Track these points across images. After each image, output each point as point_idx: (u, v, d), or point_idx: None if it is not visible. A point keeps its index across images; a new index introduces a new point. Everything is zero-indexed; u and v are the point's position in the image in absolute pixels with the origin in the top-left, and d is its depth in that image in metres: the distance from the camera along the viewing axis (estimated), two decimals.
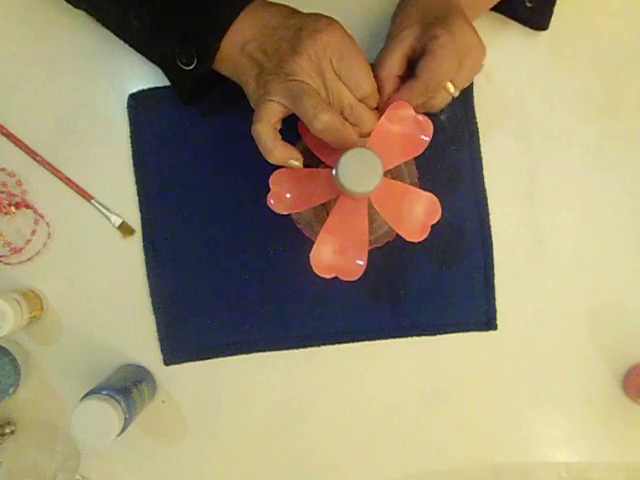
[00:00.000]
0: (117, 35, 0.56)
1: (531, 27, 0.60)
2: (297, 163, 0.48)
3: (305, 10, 0.49)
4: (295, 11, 0.50)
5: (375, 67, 0.51)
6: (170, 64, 0.51)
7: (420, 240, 0.49)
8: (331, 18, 0.48)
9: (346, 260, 0.49)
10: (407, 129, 0.50)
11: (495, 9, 0.57)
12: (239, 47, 0.49)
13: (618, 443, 0.62)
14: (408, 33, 0.50)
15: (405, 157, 0.51)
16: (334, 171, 0.46)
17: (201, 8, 0.50)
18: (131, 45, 0.55)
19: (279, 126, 0.49)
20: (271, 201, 0.50)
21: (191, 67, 0.51)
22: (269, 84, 0.47)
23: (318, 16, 0.48)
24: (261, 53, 0.48)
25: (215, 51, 0.50)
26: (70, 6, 0.56)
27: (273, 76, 0.47)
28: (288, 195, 0.50)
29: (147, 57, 0.55)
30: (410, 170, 0.54)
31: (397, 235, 0.52)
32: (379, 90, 0.50)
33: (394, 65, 0.50)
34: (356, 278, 0.49)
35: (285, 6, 0.50)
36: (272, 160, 0.48)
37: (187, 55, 0.50)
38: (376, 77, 0.50)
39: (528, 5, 0.57)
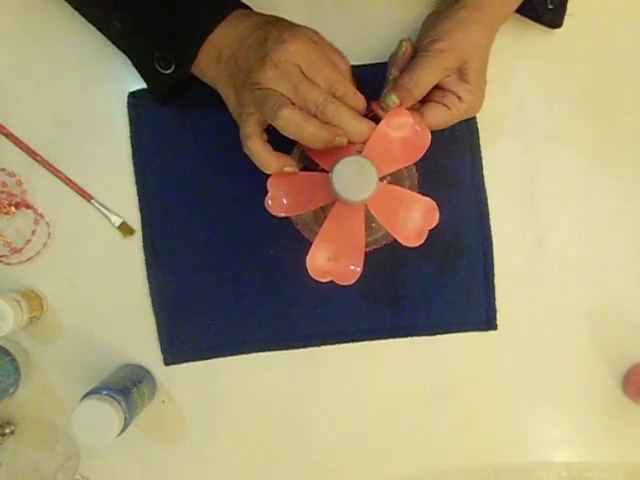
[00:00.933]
0: (99, 30, 0.56)
1: (549, 26, 0.59)
2: (291, 169, 0.49)
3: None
4: (268, 21, 0.50)
5: (408, 79, 0.50)
6: (149, 67, 0.52)
7: (417, 245, 0.49)
8: (295, 26, 0.48)
9: (340, 267, 0.49)
10: (406, 136, 0.50)
11: (516, 11, 0.57)
12: (215, 58, 0.50)
13: (618, 443, 0.62)
14: (449, 62, 0.50)
15: (403, 163, 0.51)
16: (329, 178, 0.46)
17: (183, 15, 0.51)
18: (112, 42, 0.56)
19: (266, 137, 0.49)
20: (269, 203, 0.50)
21: (169, 71, 0.52)
22: (243, 97, 0.48)
23: (284, 26, 0.48)
24: (234, 64, 0.49)
25: (193, 58, 0.51)
26: (65, 4, 0.56)
27: (244, 88, 0.48)
28: (285, 199, 0.50)
29: (127, 56, 0.56)
30: (410, 173, 0.54)
31: None
32: (408, 100, 0.50)
33: (428, 88, 0.51)
34: (351, 283, 0.49)
35: (262, 16, 0.51)
36: (270, 172, 0.49)
37: (165, 59, 0.51)
38: (402, 87, 0.50)
39: (550, 7, 0.57)
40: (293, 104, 0.47)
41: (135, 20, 0.52)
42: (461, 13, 0.51)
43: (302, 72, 0.47)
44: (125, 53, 0.56)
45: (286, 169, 0.49)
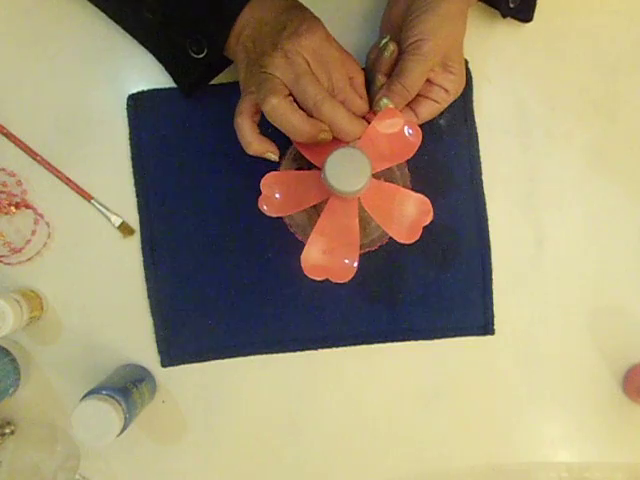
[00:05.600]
0: (124, 28, 0.57)
1: (517, 20, 0.59)
2: (274, 157, 0.50)
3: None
4: (290, 7, 0.50)
5: (401, 87, 0.50)
6: (180, 54, 0.53)
7: (411, 242, 0.49)
8: (315, 21, 0.49)
9: (335, 260, 0.49)
10: (397, 134, 0.50)
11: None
12: (237, 34, 0.51)
13: (618, 443, 0.62)
14: (437, 60, 0.51)
15: (395, 161, 0.51)
16: (322, 171, 0.45)
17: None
18: (138, 36, 0.56)
19: (258, 119, 0.50)
20: (263, 205, 0.50)
21: (202, 55, 0.52)
22: (250, 76, 0.49)
23: (303, 18, 0.49)
24: (251, 43, 0.50)
25: (225, 39, 0.51)
26: (65, 3, 0.56)
27: (253, 68, 0.49)
28: (278, 199, 0.50)
29: (154, 49, 0.56)
30: (403, 174, 0.54)
31: (392, 238, 0.51)
32: (402, 104, 0.51)
33: (419, 89, 0.52)
34: (347, 279, 0.48)
35: (287, 1, 0.51)
36: (250, 152, 0.49)
37: (198, 44, 0.52)
38: (396, 94, 0.50)
39: (511, 6, 0.57)
40: (291, 95, 0.47)
41: (166, 8, 0.52)
42: (444, 6, 0.50)
43: (309, 67, 0.47)
44: (152, 46, 0.56)
45: (268, 155, 0.50)
